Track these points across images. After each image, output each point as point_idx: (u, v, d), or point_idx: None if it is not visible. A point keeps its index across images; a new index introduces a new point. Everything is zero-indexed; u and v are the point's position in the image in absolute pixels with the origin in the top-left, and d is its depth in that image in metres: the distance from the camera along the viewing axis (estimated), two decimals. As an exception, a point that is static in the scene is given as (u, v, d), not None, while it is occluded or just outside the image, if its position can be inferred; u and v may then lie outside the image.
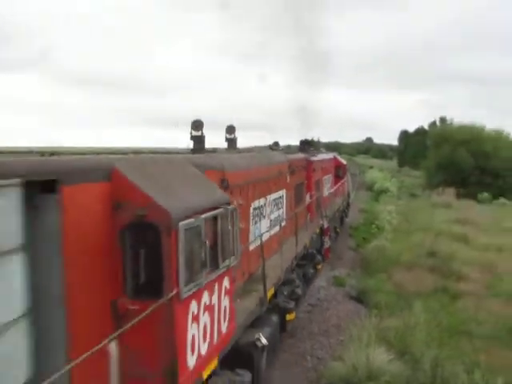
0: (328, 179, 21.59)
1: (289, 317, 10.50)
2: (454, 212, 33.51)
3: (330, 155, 24.93)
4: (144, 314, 4.41)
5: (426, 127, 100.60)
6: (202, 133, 9.56)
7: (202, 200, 6.08)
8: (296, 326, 12.12)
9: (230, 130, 11.76)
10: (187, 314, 5.45)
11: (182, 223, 5.11)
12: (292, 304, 10.85)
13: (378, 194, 43.71)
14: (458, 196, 47.19)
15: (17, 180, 3.75)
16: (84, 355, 3.53)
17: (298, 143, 19.38)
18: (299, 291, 11.94)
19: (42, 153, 5.02)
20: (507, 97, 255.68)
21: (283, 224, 12.09)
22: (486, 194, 48.54)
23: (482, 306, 13.84)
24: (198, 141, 9.45)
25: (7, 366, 3.64)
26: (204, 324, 5.94)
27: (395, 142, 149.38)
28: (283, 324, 10.25)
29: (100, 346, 3.83)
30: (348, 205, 29.79)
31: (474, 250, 21.16)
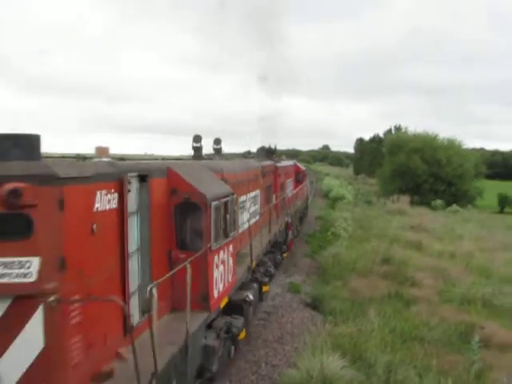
0: (290, 183, 24.31)
1: (264, 288, 13.62)
2: (408, 219, 34.04)
3: (291, 162, 27.69)
4: (189, 260, 6.96)
5: (382, 135, 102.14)
6: (201, 144, 12.86)
7: (219, 190, 9.26)
8: (251, 334, 12.09)
9: (218, 141, 14.50)
10: (213, 261, 8.53)
11: (213, 203, 8.37)
12: (266, 279, 13.84)
13: (334, 201, 44.03)
14: (412, 203, 47.96)
15: (136, 173, 6.80)
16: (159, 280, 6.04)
17: (255, 150, 20.40)
18: (272, 270, 15.11)
19: (121, 158, 7.89)
20: (458, 107, 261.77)
21: (257, 217, 15.11)
22: (439, 201, 49.44)
23: (434, 311, 14.05)
24: (198, 150, 12.85)
25: (133, 275, 6.61)
26: (221, 271, 9.02)
27: (352, 150, 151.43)
28: (260, 295, 13.28)
29: (163, 278, 6.30)
30: (307, 206, 33.11)
31: (427, 257, 21.52)
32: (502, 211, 68.84)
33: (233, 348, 10.05)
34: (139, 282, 6.87)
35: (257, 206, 15.62)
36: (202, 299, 8.08)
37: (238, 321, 9.92)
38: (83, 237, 5.43)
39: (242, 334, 10.33)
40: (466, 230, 30.36)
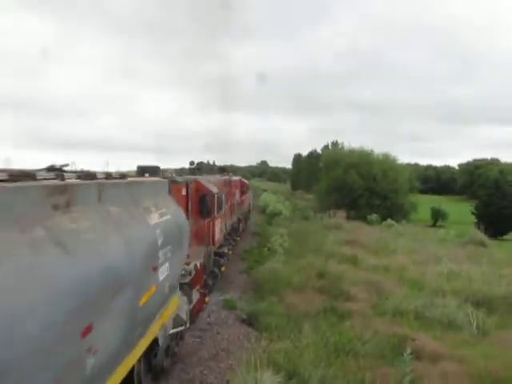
0: (237, 192, 30.27)
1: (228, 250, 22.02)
2: (344, 234, 34.49)
3: (238, 177, 33.52)
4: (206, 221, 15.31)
5: (319, 151, 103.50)
6: (198, 165, 21.15)
7: (215, 190, 16.57)
8: (185, 352, 11.95)
9: (199, 164, 21.23)
10: (216, 222, 16.69)
11: (217, 195, 16.58)
12: (225, 258, 20.43)
13: (271, 217, 44.15)
14: (349, 218, 48.66)
15: (188, 181, 14.08)
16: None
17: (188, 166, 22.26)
18: (232, 243, 25.01)
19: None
20: (393, 124, 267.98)
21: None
22: (374, 216, 50.22)
23: (368, 324, 14.18)
24: (195, 168, 20.03)
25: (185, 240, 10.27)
26: (217, 228, 17.43)
27: (290, 166, 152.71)
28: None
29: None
30: (249, 210, 41.67)
31: (362, 271, 21.77)
32: (435, 225, 70.83)
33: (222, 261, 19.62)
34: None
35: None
36: (212, 240, 16.32)
37: (222, 259, 19.51)
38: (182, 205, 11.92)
39: (223, 267, 19.93)
40: (399, 244, 30.96)
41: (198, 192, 15.31)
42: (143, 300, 6.87)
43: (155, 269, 7.51)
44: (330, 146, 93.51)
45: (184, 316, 10.79)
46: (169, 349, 10.10)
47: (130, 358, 6.83)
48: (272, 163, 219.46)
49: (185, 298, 11.30)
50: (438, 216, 75.68)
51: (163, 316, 8.87)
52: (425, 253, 27.33)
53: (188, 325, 11.48)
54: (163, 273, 8.00)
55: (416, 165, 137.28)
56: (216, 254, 17.89)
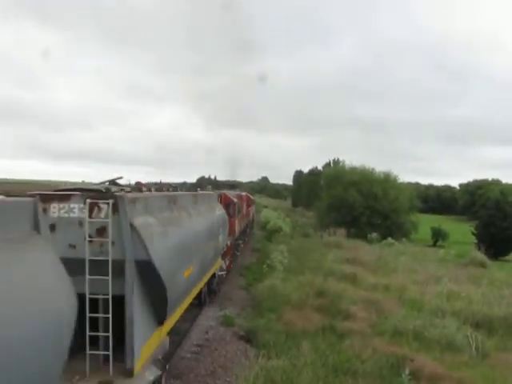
0: (245, 205, 34.89)
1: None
2: (344, 252, 34.37)
3: (245, 193, 40.00)
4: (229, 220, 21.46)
5: (321, 168, 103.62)
6: (199, 180, 45.68)
7: (235, 199, 25.82)
8: (182, 368, 11.88)
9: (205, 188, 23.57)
10: (235, 222, 24.70)
11: (236, 203, 25.79)
12: (239, 248, 29.90)
13: (271, 233, 44.10)
14: (349, 236, 48.55)
15: (219, 192, 23.48)
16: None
17: (194, 180, 27.03)
18: (241, 243, 32.05)
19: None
20: (394, 143, 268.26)
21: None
22: (374, 234, 50.12)
23: (367, 344, 14.11)
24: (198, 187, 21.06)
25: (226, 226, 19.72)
26: (236, 225, 25.23)
27: (291, 182, 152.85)
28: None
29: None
30: (253, 219, 49.79)
31: (361, 290, 21.68)
32: (435, 244, 70.64)
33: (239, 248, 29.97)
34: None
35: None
36: (233, 231, 23.06)
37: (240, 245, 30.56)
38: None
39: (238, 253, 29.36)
40: (399, 263, 30.86)
41: (225, 201, 23.09)
42: (218, 241, 16.44)
43: (218, 235, 16.26)
44: (331, 164, 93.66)
45: (224, 266, 20.74)
46: (217, 282, 19.23)
47: (202, 282, 14.54)
48: (273, 179, 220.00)
49: (222, 261, 19.93)
50: (438, 236, 75.52)
51: (217, 262, 17.80)
52: (425, 272, 27.21)
53: (226, 274, 21.88)
54: (220, 238, 16.99)
55: (417, 184, 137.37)
56: (235, 241, 26.56)
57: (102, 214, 7.67)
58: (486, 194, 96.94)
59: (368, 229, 53.63)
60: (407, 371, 10.87)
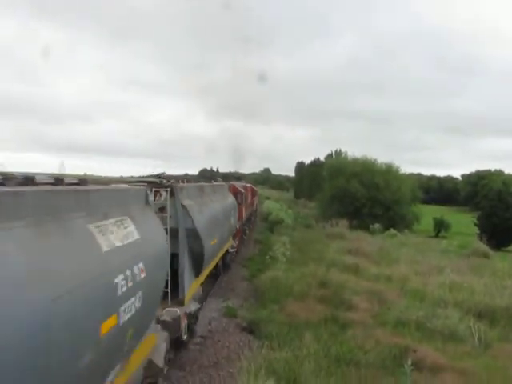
0: (249, 195, 38.21)
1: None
2: (346, 243, 34.36)
3: (249, 184, 43.29)
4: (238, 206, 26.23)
5: (323, 159, 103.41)
6: (201, 171, 47.17)
7: (241, 189, 29.85)
8: (185, 359, 11.92)
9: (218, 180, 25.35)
10: (242, 209, 28.57)
11: (243, 193, 29.85)
12: (246, 232, 34.30)
13: (273, 224, 44.10)
14: (351, 227, 48.50)
15: (227, 184, 25.78)
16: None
17: (196, 172, 27.94)
18: (247, 229, 36.04)
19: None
20: (396, 134, 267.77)
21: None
22: (377, 225, 50.08)
23: (369, 334, 14.14)
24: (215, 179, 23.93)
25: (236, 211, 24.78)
26: (243, 211, 29.36)
27: (292, 174, 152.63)
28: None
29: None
30: (256, 210, 53.17)
31: (364, 280, 21.70)
32: (437, 235, 70.57)
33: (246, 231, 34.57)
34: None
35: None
36: (241, 217, 27.79)
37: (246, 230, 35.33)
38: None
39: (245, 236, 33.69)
40: (402, 254, 30.88)
41: (234, 190, 26.27)
42: (230, 223, 20.23)
43: (230, 218, 20.13)
44: (333, 155, 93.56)
45: (234, 245, 23.93)
46: (230, 258, 23.06)
47: (221, 252, 18.22)
48: (275, 171, 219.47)
49: (233, 241, 23.06)
50: (440, 227, 75.45)
51: (230, 241, 21.23)
52: (427, 263, 27.23)
53: (236, 252, 25.47)
54: (232, 220, 20.85)
55: (419, 175, 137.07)
56: (243, 226, 30.58)
57: (162, 198, 11.09)
58: (488, 185, 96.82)
59: (370, 220, 53.57)
60: (409, 362, 10.88)
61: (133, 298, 6.00)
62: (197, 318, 13.74)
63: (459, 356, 13.11)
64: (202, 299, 14.97)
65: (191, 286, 12.25)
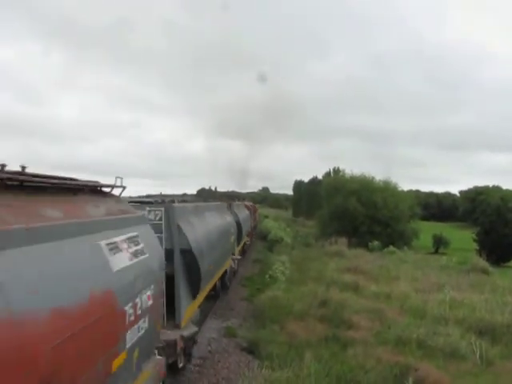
0: (252, 211, 46.60)
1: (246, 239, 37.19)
2: (345, 261, 34.30)
3: (251, 203, 53.81)
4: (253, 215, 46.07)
5: (321, 178, 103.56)
6: (199, 191, 54.16)
7: (252, 207, 48.29)
8: (185, 381, 11.82)
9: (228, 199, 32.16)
10: (254, 217, 50.69)
11: (252, 208, 47.58)
12: (253, 236, 47.79)
13: (272, 243, 44.04)
14: (350, 245, 48.41)
15: (249, 203, 48.47)
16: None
17: (194, 191, 27.98)
18: (253, 234, 49.03)
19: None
20: (393, 151, 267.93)
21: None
22: (376, 243, 49.97)
23: (370, 353, 14.05)
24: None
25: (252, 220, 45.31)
26: (253, 220, 48.16)
27: (291, 192, 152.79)
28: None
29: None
30: (257, 223, 58.75)
31: (364, 299, 21.62)
32: (436, 252, 70.52)
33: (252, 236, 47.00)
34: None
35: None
36: (254, 220, 50.57)
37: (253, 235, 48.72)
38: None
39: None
40: (401, 271, 30.82)
41: (247, 206, 40.95)
42: (230, 242, 22.53)
43: (228, 236, 21.77)
44: (331, 173, 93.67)
45: (234, 265, 24.42)
46: (231, 274, 23.79)
47: (217, 277, 18.04)
48: (273, 189, 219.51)
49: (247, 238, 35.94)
50: (439, 243, 75.45)
51: (228, 260, 21.96)
52: (427, 280, 27.15)
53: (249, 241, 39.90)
54: (246, 226, 33.90)
55: (417, 191, 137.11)
56: (253, 229, 43.53)
57: (157, 218, 11.29)
58: (486, 201, 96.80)
59: (369, 237, 53.49)
60: (411, 381, 10.81)
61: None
62: (195, 342, 13.34)
63: (461, 374, 13.01)
64: (200, 322, 14.81)
65: (188, 308, 12.24)
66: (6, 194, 4.36)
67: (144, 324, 6.39)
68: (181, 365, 11.43)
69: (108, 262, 5.40)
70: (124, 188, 7.40)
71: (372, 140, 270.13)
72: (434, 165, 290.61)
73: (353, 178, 66.25)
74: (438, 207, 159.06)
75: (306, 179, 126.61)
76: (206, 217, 16.32)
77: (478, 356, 14.36)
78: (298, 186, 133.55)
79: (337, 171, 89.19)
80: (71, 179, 6.07)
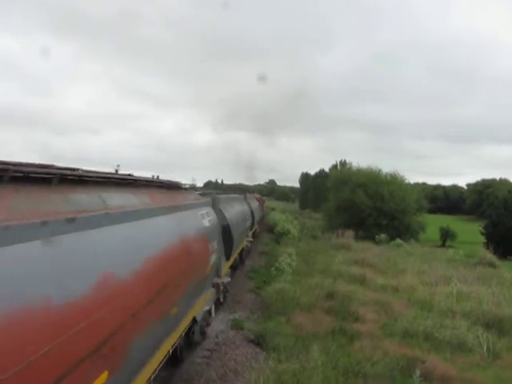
0: (260, 202, 52.98)
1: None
2: (352, 253, 34.30)
3: (259, 195, 63.52)
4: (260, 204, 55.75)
5: (327, 170, 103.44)
6: (206, 183, 58.91)
7: (260, 198, 59.27)
8: (192, 373, 11.86)
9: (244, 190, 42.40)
10: (262, 207, 60.49)
11: (261, 199, 61.47)
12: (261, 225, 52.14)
13: (279, 236, 44.05)
14: (357, 237, 48.38)
15: (258, 195, 61.03)
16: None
17: (201, 184, 29.64)
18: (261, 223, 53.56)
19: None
20: (400, 143, 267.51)
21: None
22: (383, 235, 49.93)
23: (377, 345, 14.07)
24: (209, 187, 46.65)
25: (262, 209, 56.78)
26: (261, 210, 56.22)
27: (297, 185, 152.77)
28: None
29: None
30: (264, 213, 64.22)
31: (370, 291, 21.65)
32: (443, 245, 70.30)
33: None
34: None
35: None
36: (262, 210, 58.47)
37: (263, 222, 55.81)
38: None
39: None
40: (408, 264, 30.81)
41: (256, 197, 49.66)
42: (246, 225, 28.85)
43: (258, 210, 43.34)
44: (338, 166, 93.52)
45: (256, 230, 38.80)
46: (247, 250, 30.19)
47: (240, 247, 25.06)
48: (280, 182, 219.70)
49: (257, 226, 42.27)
50: (446, 236, 75.22)
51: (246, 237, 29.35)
52: (434, 273, 27.12)
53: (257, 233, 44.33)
54: (257, 214, 40.37)
55: (424, 184, 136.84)
56: (262, 219, 51.11)
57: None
58: (494, 193, 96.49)
59: (376, 230, 53.43)
60: (418, 373, 10.81)
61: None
62: (227, 291, 18.23)
63: (468, 367, 13.03)
64: (231, 276, 20.02)
65: (225, 264, 18.42)
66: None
67: (213, 257, 12.67)
68: (221, 300, 17.40)
69: (202, 222, 11.83)
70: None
71: (378, 133, 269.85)
72: (441, 157, 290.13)
73: (359, 171, 66.12)
74: (445, 200, 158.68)
75: (313, 172, 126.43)
76: (234, 205, 23.32)
77: (485, 349, 14.37)
78: (305, 178, 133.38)
79: (343, 164, 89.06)
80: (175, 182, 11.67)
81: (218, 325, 16.02)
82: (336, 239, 45.10)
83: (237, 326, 16.08)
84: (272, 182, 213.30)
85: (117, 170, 6.94)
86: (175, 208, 9.34)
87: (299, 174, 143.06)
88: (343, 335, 15.16)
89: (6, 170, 3.93)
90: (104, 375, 4.75)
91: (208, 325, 13.79)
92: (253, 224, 35.48)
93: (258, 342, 14.70)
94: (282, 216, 62.07)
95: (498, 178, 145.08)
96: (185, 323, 9.95)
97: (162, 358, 7.83)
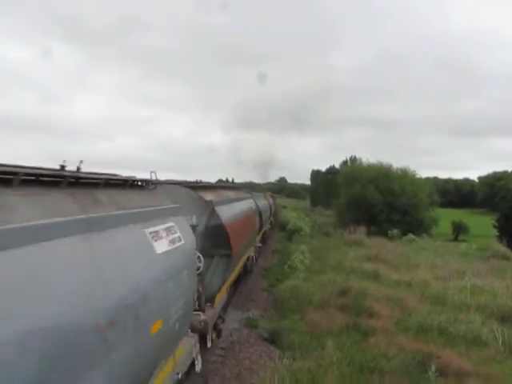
0: (273, 199, 55.97)
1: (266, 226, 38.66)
2: (365, 249, 34.20)
3: (270, 192, 62.23)
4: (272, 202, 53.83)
5: (338, 167, 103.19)
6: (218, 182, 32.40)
7: (272, 195, 61.01)
8: (207, 371, 11.89)
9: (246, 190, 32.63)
10: (275, 201, 63.10)
11: (270, 195, 55.35)
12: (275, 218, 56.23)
13: (291, 233, 44.02)
14: (369, 233, 48.23)
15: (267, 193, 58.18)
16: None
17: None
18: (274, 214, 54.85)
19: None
20: (409, 139, 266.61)
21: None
22: (395, 231, 49.72)
23: (392, 341, 14.05)
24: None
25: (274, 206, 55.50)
26: (274, 205, 58.18)
27: (308, 182, 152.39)
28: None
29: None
30: (276, 209, 62.27)
31: (384, 287, 21.59)
32: (456, 239, 69.98)
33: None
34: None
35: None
36: (275, 204, 61.34)
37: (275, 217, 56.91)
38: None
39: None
40: (421, 259, 30.69)
41: (270, 195, 53.53)
42: (254, 230, 23.64)
43: (272, 206, 49.11)
44: (348, 162, 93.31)
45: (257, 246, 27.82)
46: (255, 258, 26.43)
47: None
48: (290, 179, 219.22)
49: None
50: (459, 230, 74.89)
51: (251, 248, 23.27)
52: (447, 267, 26.99)
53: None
54: (265, 215, 34.34)
55: (435, 178, 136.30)
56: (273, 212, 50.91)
57: None
58: (505, 186, 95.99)
59: (388, 225, 53.22)
60: (434, 368, 10.80)
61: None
62: (223, 320, 14.46)
63: (484, 361, 12.99)
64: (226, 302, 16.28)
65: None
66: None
67: None
68: (209, 344, 12.13)
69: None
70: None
71: (388, 128, 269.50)
72: (450, 151, 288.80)
73: (370, 167, 65.90)
74: (457, 194, 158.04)
75: (323, 169, 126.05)
76: (233, 206, 19.18)
77: (500, 343, 14.32)
78: (316, 175, 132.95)
79: (354, 160, 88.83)
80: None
81: (232, 323, 16.04)
82: (348, 235, 45.00)
83: (251, 324, 16.10)
84: (282, 180, 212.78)
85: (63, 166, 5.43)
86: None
87: (309, 172, 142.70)
88: (357, 331, 15.17)
89: (16, 174, 3.96)
90: None
91: (254, 262, 24.48)
92: (261, 226, 30.05)
93: (273, 339, 14.72)
94: (294, 214, 62.04)
95: (509, 170, 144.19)
96: (245, 257, 19.41)
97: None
